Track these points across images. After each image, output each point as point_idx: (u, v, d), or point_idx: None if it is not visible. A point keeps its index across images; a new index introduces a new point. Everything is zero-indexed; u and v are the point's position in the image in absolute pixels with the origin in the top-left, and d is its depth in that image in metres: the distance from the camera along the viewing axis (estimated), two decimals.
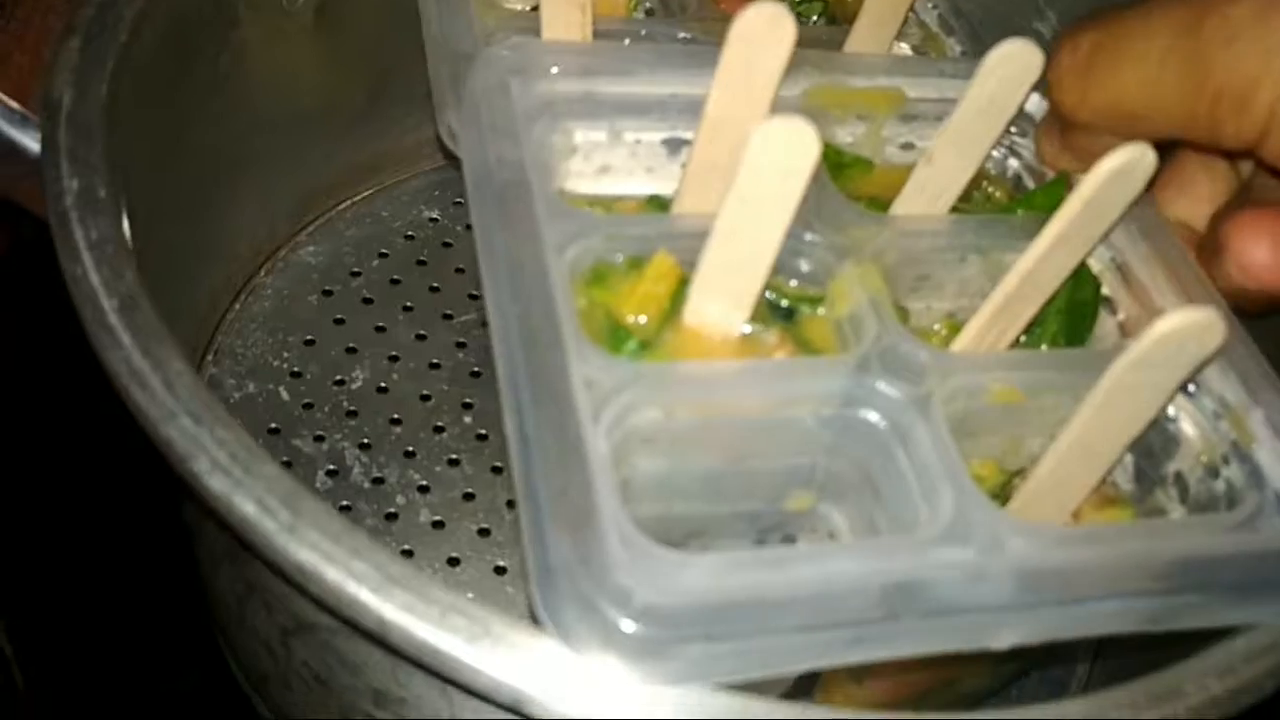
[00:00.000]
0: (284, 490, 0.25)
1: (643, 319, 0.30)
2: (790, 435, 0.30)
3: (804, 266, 0.32)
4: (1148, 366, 0.26)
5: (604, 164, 0.34)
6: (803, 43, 0.40)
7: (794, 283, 0.32)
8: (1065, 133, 0.34)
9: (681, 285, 0.30)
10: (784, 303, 0.32)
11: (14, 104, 0.34)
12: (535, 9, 0.37)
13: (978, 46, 0.42)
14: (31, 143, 0.35)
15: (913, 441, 0.28)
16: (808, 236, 0.32)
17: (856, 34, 0.40)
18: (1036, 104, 0.37)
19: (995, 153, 0.37)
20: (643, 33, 0.39)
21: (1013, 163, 0.37)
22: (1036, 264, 0.30)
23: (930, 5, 0.43)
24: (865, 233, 0.32)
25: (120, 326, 0.28)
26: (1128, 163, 0.28)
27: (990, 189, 0.37)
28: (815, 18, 0.44)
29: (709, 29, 0.39)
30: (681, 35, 0.39)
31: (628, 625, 0.23)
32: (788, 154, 0.27)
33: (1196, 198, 0.34)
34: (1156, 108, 0.30)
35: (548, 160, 0.33)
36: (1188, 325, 0.25)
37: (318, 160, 0.49)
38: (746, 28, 0.30)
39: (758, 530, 0.32)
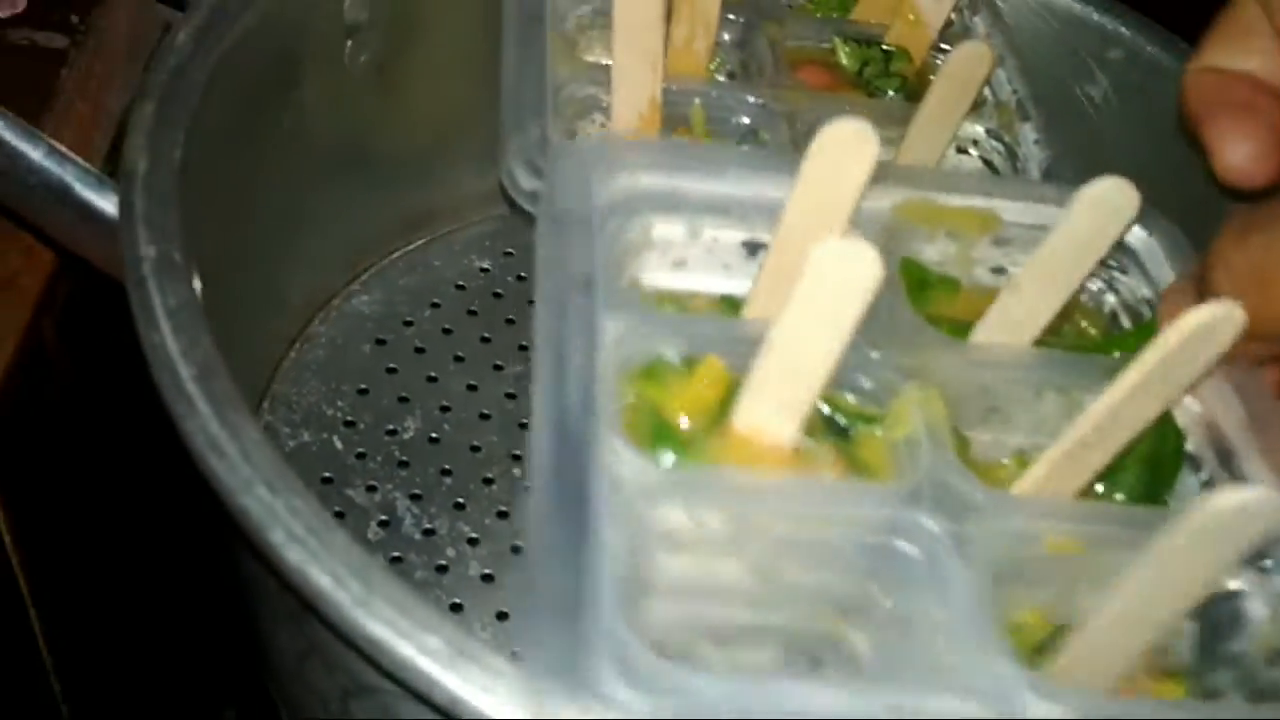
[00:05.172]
0: (357, 563, 0.26)
1: (689, 421, 0.30)
2: (825, 557, 0.29)
3: (865, 383, 0.31)
4: (1200, 541, 0.24)
5: (680, 259, 0.34)
6: (875, 117, 0.40)
7: (853, 398, 0.31)
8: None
9: (732, 391, 0.30)
10: (840, 419, 0.31)
11: (91, 167, 0.35)
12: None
13: (1052, 135, 0.40)
14: (105, 205, 0.35)
15: (949, 583, 0.27)
16: (873, 354, 0.31)
17: (924, 112, 0.38)
18: (1139, 238, 0.35)
19: (1092, 285, 0.36)
20: (713, 94, 0.39)
21: (1109, 298, 0.35)
22: (1109, 411, 0.29)
23: (1012, 90, 0.42)
24: (934, 356, 0.31)
25: (198, 394, 0.28)
26: (1213, 320, 0.27)
27: (1083, 323, 0.36)
28: (892, 92, 0.43)
29: (779, 96, 0.39)
30: (752, 100, 0.39)
31: None
32: (848, 275, 0.27)
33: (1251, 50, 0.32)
34: None
35: (622, 253, 0.33)
36: (1243, 504, 0.23)
37: (372, 211, 0.50)
38: (829, 141, 0.29)
39: (782, 646, 0.31)
